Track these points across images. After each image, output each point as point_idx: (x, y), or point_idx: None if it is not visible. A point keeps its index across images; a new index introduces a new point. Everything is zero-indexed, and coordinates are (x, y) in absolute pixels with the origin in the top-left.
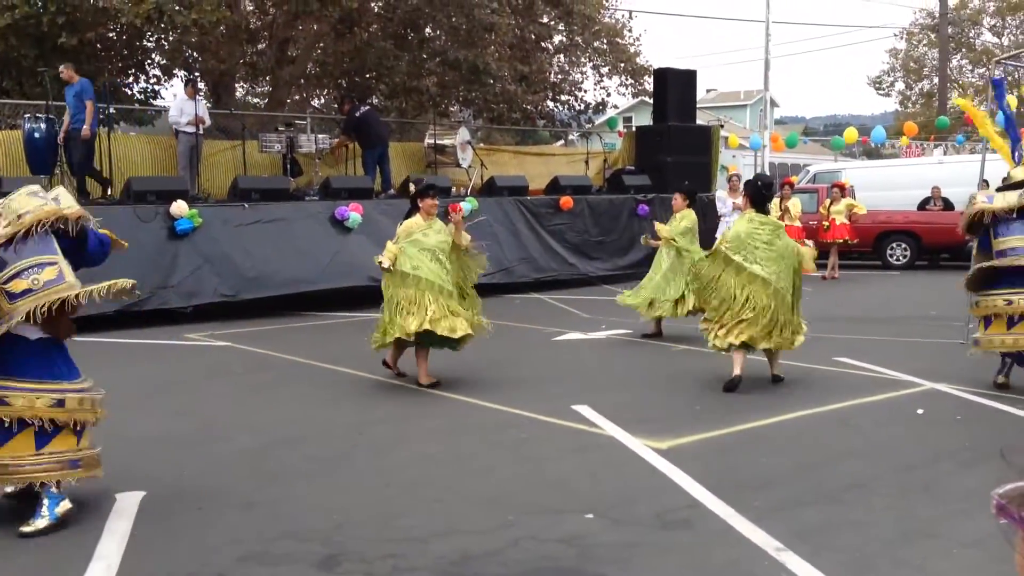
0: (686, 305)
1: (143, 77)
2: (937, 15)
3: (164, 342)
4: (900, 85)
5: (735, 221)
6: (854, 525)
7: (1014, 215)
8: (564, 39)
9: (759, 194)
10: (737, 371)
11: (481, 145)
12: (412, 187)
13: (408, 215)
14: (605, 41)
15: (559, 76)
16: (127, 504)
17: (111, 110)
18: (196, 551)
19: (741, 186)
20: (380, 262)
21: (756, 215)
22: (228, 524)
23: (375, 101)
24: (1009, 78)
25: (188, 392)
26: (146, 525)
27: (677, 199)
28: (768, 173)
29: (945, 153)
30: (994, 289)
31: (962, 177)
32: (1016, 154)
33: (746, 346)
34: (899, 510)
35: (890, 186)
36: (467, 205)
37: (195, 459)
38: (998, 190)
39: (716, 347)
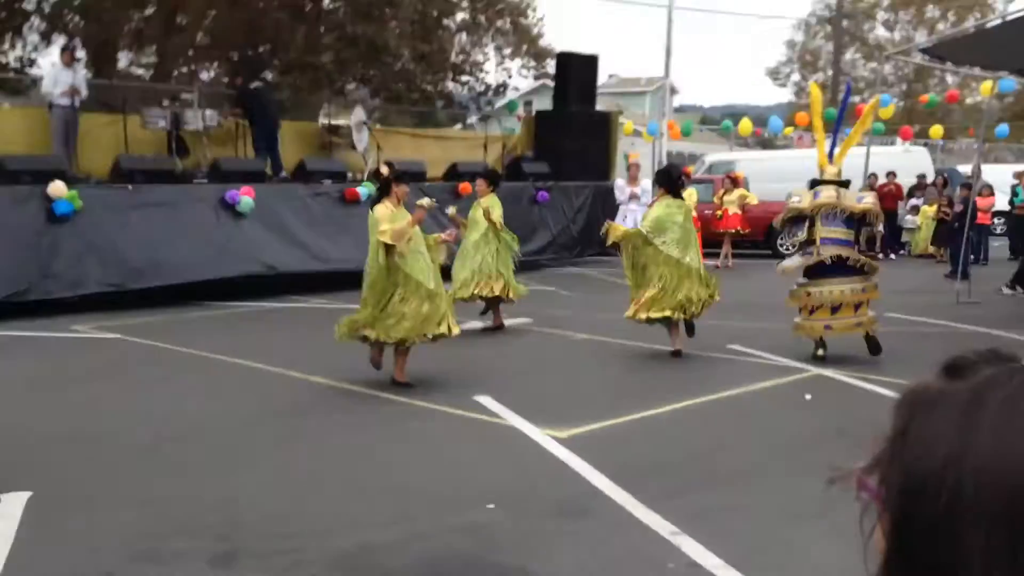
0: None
1: (20, 43)
2: (834, 8)
3: (49, 335)
4: (796, 76)
5: (655, 206)
6: (746, 508)
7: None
8: (467, 17)
9: (674, 181)
10: (677, 346)
11: (378, 127)
12: (386, 170)
13: (377, 201)
14: (508, 21)
15: (460, 56)
16: (11, 505)
17: None
18: (85, 551)
19: (640, 175)
20: (399, 253)
21: (673, 200)
22: (119, 522)
23: (268, 76)
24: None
25: (76, 387)
26: (32, 526)
27: (480, 184)
28: (665, 162)
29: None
30: (817, 279)
31: (850, 169)
32: (831, 154)
33: (668, 320)
34: (788, 493)
35: (783, 177)
36: (364, 190)
37: (84, 457)
38: (811, 186)
39: (640, 320)
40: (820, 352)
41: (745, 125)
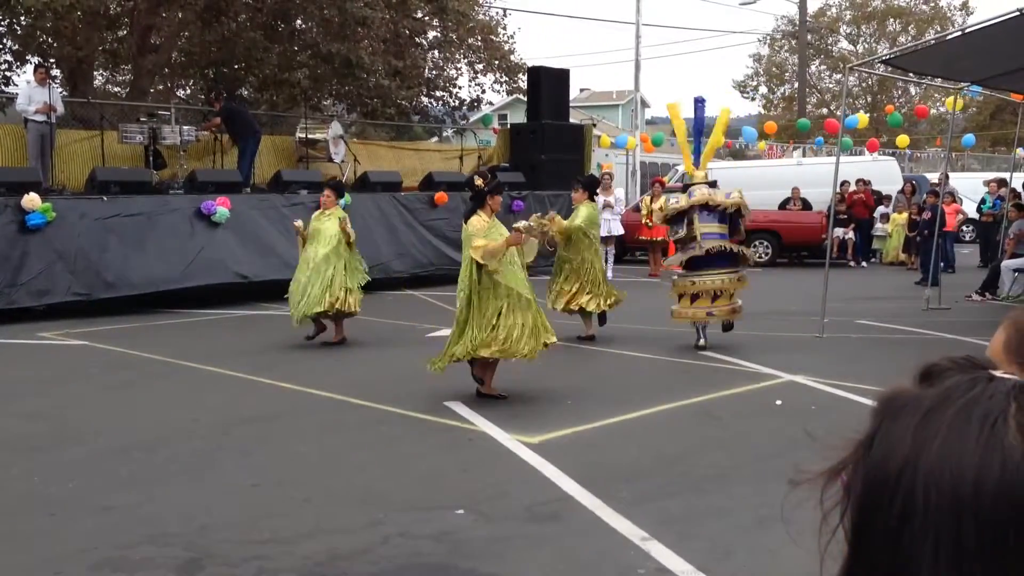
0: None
1: None
2: (797, 22)
3: (14, 341)
4: (763, 89)
5: (584, 206)
6: (715, 513)
7: (708, 208)
8: (438, 35)
9: (595, 187)
10: (591, 331)
11: (355, 140)
12: (480, 181)
13: (471, 213)
14: (480, 38)
15: (433, 72)
16: None
17: None
18: (47, 559)
19: (612, 185)
20: (492, 269)
21: (591, 201)
22: (82, 530)
23: (244, 93)
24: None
25: (40, 394)
26: None
27: (329, 195)
28: (638, 172)
29: (804, 155)
30: (698, 270)
31: (819, 178)
32: (695, 160)
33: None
34: (757, 498)
35: (753, 186)
36: (340, 200)
37: (47, 463)
38: (684, 190)
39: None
40: (702, 342)
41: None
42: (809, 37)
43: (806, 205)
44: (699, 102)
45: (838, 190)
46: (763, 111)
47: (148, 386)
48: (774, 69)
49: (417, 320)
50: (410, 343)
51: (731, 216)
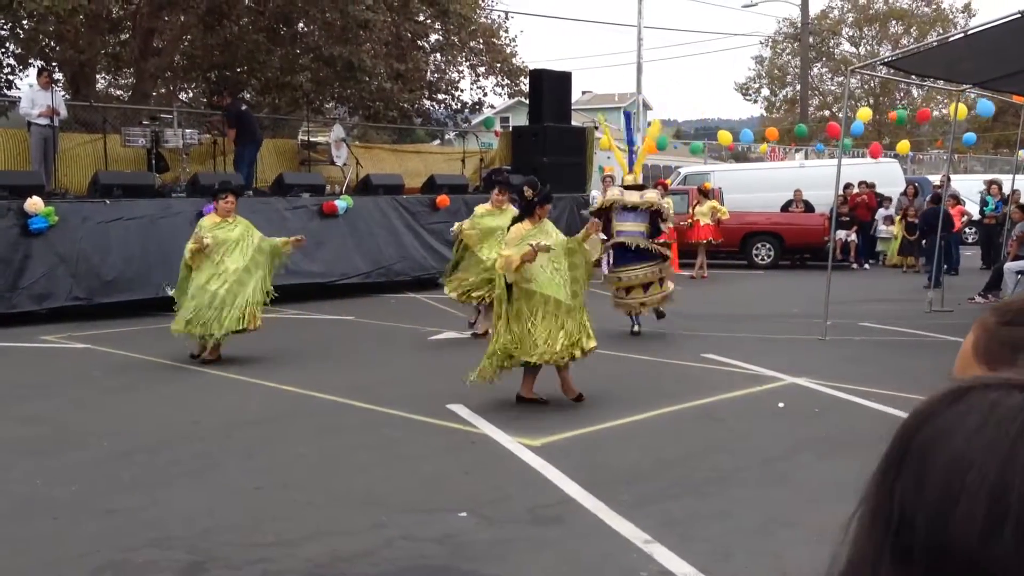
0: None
1: None
2: (799, 25)
3: (17, 344)
4: (765, 91)
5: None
6: (717, 516)
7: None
8: (440, 38)
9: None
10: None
11: (357, 143)
12: (529, 192)
13: (518, 220)
14: (481, 41)
15: (435, 75)
16: None
17: None
18: (49, 563)
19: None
20: (518, 280)
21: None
22: (85, 534)
23: (247, 96)
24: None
25: (43, 397)
26: None
27: (229, 200)
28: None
29: (806, 158)
30: (622, 266)
31: (822, 180)
32: (631, 164)
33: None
34: (759, 501)
35: (755, 188)
36: (342, 203)
37: (50, 467)
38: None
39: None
40: (636, 328)
41: (724, 136)
42: (811, 39)
43: (808, 207)
44: (626, 116)
45: (840, 192)
46: (765, 113)
47: (150, 389)
48: (776, 71)
49: (419, 323)
50: (412, 346)
51: (652, 215)
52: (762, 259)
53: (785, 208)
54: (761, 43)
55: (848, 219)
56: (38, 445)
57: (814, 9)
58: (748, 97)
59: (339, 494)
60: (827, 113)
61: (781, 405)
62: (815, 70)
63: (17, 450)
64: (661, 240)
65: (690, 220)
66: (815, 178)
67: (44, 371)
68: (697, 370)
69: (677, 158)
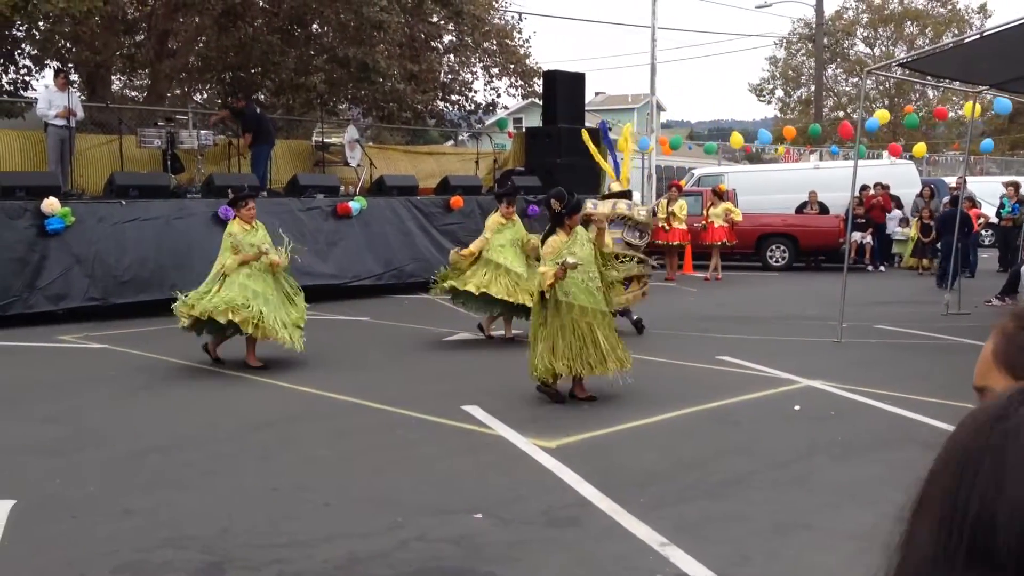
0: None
1: (12, 68)
2: (814, 25)
3: (35, 344)
4: (780, 92)
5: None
6: (733, 519)
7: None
8: (454, 39)
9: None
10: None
11: (371, 144)
12: (557, 204)
13: (550, 232)
14: (495, 42)
15: (449, 76)
16: None
17: None
18: (69, 561)
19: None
20: (545, 287)
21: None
22: (103, 533)
23: (261, 97)
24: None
25: (61, 396)
26: (16, 535)
27: None
28: (654, 175)
29: (821, 159)
30: None
31: (837, 182)
32: (617, 170)
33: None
34: (775, 503)
35: (770, 190)
36: (356, 204)
37: (68, 466)
38: (602, 198)
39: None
40: (636, 317)
41: (736, 138)
42: (826, 40)
43: (823, 209)
44: (603, 125)
45: (856, 194)
46: (779, 114)
47: (166, 389)
48: (790, 72)
49: (433, 324)
50: (426, 347)
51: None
52: (776, 261)
53: (800, 210)
54: (775, 44)
55: (863, 221)
56: (56, 445)
57: (828, 10)
58: (762, 98)
59: (354, 495)
60: (841, 114)
61: (797, 408)
62: (829, 71)
63: (36, 449)
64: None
65: (704, 222)
66: (830, 180)
67: (62, 371)
68: (712, 372)
69: (691, 159)
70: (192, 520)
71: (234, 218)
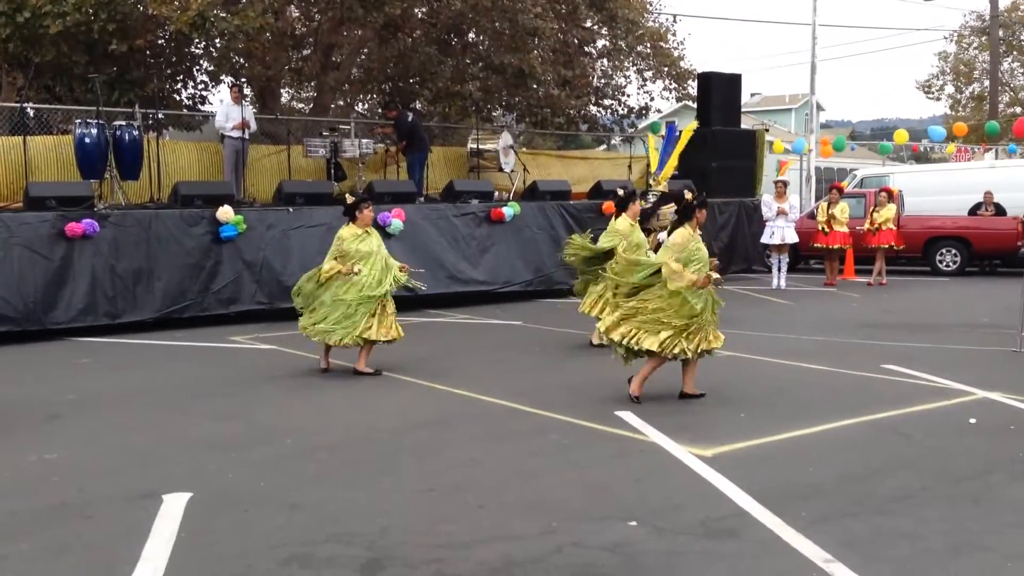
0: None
1: (191, 83)
2: (987, 17)
3: (209, 344)
4: (950, 88)
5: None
6: (903, 537)
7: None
8: (607, 44)
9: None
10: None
11: (524, 150)
12: (689, 195)
13: (678, 225)
14: (649, 45)
15: (602, 80)
16: (173, 506)
17: (159, 116)
18: (241, 553)
19: (787, 191)
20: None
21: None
22: (272, 526)
23: (418, 106)
24: None
25: (233, 395)
26: (192, 527)
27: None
28: (813, 177)
29: (996, 157)
30: None
31: (1015, 182)
32: (659, 170)
33: None
34: (949, 522)
35: (940, 191)
36: (509, 210)
37: (240, 461)
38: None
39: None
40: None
41: (900, 135)
42: (1001, 32)
43: (999, 210)
44: (670, 129)
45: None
46: (949, 112)
47: (329, 390)
48: (962, 67)
49: (585, 328)
50: (576, 352)
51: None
52: (947, 265)
53: (973, 211)
54: (945, 38)
55: None
56: (229, 440)
57: (1004, 1)
58: (931, 95)
59: (510, 499)
60: (1017, 110)
61: (972, 421)
62: (1005, 65)
63: (210, 444)
64: None
65: (869, 224)
66: (1007, 179)
67: (234, 370)
68: (878, 381)
69: (852, 160)
70: (355, 517)
71: (348, 223)
